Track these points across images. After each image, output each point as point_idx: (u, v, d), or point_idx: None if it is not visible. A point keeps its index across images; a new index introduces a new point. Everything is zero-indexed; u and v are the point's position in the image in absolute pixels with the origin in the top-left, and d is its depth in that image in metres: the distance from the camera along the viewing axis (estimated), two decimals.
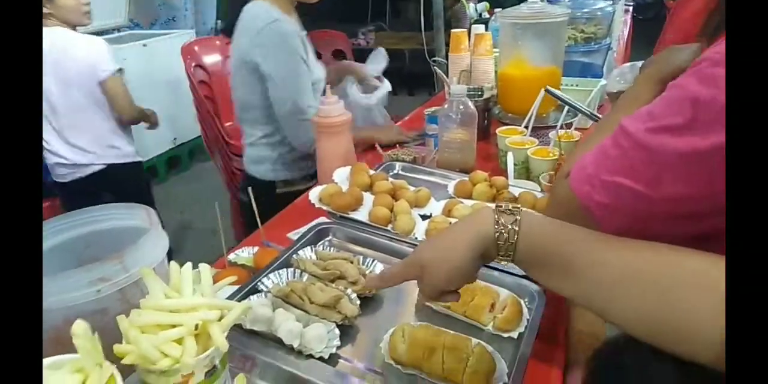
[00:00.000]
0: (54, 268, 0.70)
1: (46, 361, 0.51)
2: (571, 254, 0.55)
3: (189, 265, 0.66)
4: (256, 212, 1.03)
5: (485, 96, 1.66)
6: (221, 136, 2.27)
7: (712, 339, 0.43)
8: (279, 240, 1.07)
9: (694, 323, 0.45)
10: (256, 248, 1.04)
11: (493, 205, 0.63)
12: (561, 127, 1.43)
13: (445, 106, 1.35)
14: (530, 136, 1.46)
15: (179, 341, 0.58)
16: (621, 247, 0.55)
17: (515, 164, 1.38)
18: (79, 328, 0.50)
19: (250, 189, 1.06)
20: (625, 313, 0.52)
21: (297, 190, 1.58)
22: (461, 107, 1.33)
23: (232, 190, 2.30)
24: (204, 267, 0.67)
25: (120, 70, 2.07)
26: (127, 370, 0.56)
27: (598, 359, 0.74)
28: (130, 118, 2.16)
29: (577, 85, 1.86)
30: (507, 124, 1.59)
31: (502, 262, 0.61)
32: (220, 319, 0.62)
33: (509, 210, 0.60)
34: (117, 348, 0.56)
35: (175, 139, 3.72)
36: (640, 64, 1.03)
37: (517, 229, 0.58)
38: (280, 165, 1.66)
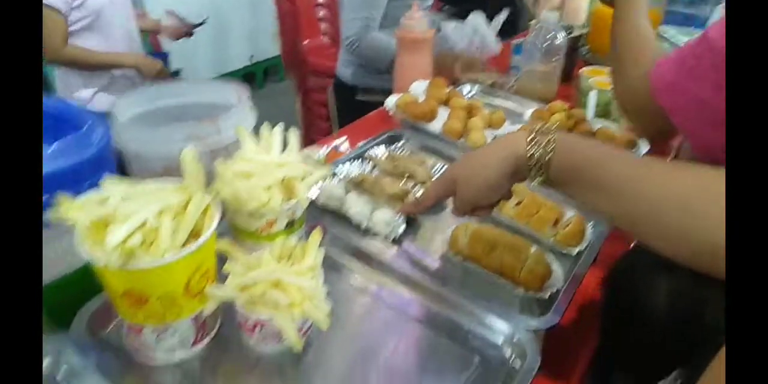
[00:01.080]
0: (151, 127, 0.76)
1: (152, 184, 0.57)
2: (607, 170, 0.53)
3: (280, 127, 0.69)
4: (335, 112, 1.06)
5: (575, 34, 1.58)
6: (299, 52, 2.29)
7: None
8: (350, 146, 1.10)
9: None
10: (329, 149, 1.08)
11: None
12: None
13: (532, 34, 1.30)
14: None
15: (267, 190, 0.63)
16: (661, 167, 0.51)
17: (596, 105, 1.33)
18: (188, 154, 0.54)
19: (330, 88, 1.08)
20: (661, 231, 0.48)
21: (376, 101, 1.60)
22: (550, 35, 1.27)
23: (304, 109, 2.35)
24: (293, 131, 0.70)
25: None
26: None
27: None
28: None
29: (675, 36, 1.72)
30: (593, 65, 1.52)
31: (535, 182, 0.60)
32: (303, 180, 0.66)
33: (543, 131, 0.58)
34: (215, 185, 0.61)
35: (252, 56, 3.72)
36: None
37: (551, 148, 0.56)
38: (364, 71, 1.67)
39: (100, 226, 0.51)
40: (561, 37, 1.27)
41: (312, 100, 2.28)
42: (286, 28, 2.33)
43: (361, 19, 1.52)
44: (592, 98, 1.30)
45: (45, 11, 1.54)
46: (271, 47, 3.77)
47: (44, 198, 0.53)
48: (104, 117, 0.68)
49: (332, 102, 1.54)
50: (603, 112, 1.35)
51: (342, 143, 1.12)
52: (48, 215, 0.49)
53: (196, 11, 2.53)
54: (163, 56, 3.01)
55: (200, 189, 0.55)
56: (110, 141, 0.62)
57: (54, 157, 0.56)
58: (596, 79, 1.36)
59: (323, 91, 2.26)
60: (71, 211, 0.49)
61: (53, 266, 0.60)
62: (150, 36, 2.40)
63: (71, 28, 1.63)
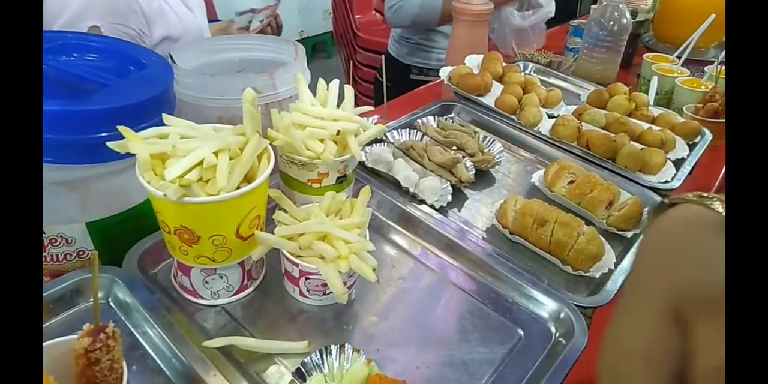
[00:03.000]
0: (210, 76, 0.75)
1: (208, 126, 0.56)
2: None
3: (336, 81, 0.68)
4: (384, 87, 1.03)
5: (639, 19, 1.51)
6: (351, 27, 2.27)
7: None
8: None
9: None
10: (374, 121, 1.06)
11: None
12: (722, 63, 1.27)
13: (596, 13, 1.24)
14: (681, 66, 1.32)
15: (321, 141, 0.62)
16: None
17: (657, 93, 1.26)
18: (250, 95, 0.54)
19: (383, 58, 1.06)
20: None
21: (431, 81, 1.57)
22: (616, 14, 1.21)
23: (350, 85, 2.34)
24: (348, 87, 0.69)
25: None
26: None
27: None
28: None
29: None
30: (656, 52, 1.44)
31: None
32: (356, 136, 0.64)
33: None
34: (270, 132, 0.60)
35: (302, 31, 3.73)
36: None
37: None
38: (416, 50, 1.64)
39: (159, 160, 0.51)
40: (628, 19, 1.21)
41: (359, 76, 2.27)
42: (339, 2, 2.31)
43: None
44: (654, 85, 1.24)
45: None
46: (321, 23, 3.77)
47: (108, 133, 0.54)
48: (167, 61, 0.69)
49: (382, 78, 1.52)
50: (664, 101, 1.29)
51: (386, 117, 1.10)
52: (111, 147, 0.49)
53: None
54: None
55: (257, 132, 0.54)
56: (173, 83, 0.63)
57: (118, 93, 0.57)
58: (659, 66, 1.30)
59: (371, 68, 2.24)
60: (133, 143, 0.49)
61: (109, 203, 0.61)
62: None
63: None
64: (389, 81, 1.03)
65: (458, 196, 0.83)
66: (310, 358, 0.51)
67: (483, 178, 0.89)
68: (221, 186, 0.49)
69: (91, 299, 0.57)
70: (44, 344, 0.41)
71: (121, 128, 0.49)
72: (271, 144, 0.58)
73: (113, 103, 0.56)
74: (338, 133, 0.62)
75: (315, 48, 4.04)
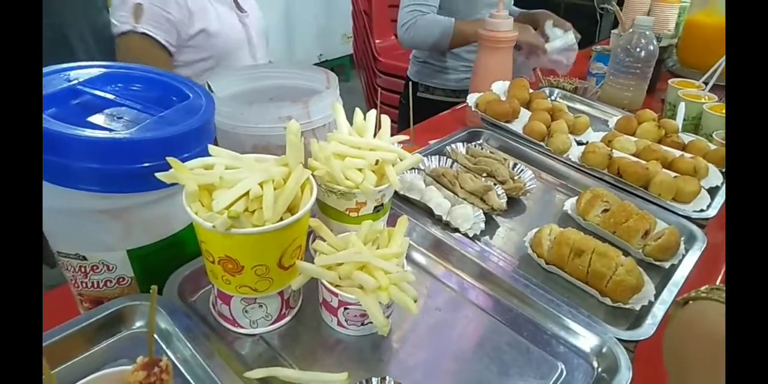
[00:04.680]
0: (245, 105, 0.77)
1: (250, 156, 0.57)
2: None
3: (373, 111, 0.69)
4: (411, 112, 1.04)
5: (662, 44, 1.51)
6: (371, 51, 2.31)
7: None
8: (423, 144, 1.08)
9: None
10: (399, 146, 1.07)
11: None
12: None
13: (622, 39, 1.25)
14: (708, 92, 1.32)
15: (360, 171, 0.62)
16: None
17: (684, 119, 1.26)
18: (294, 126, 0.54)
19: (407, 83, 1.07)
20: None
21: (435, 100, 1.58)
22: (643, 41, 1.22)
23: (369, 108, 2.37)
24: (385, 118, 0.69)
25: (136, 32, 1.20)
26: None
27: None
28: None
29: None
30: (680, 77, 1.44)
31: None
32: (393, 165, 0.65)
33: None
34: (311, 162, 0.61)
35: (321, 55, 3.78)
36: None
37: None
38: (425, 69, 1.66)
39: (204, 191, 0.52)
40: (655, 45, 1.22)
41: (380, 100, 2.29)
42: (360, 26, 2.36)
43: (416, 4, 1.50)
44: (682, 110, 1.24)
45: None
46: (339, 47, 3.84)
47: (151, 162, 0.55)
48: (209, 92, 0.70)
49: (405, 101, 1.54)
50: (691, 126, 1.28)
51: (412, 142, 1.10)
52: (158, 177, 0.50)
53: (267, 6, 2.60)
54: None
55: (300, 163, 0.55)
56: (214, 113, 0.64)
57: (162, 123, 0.58)
58: (685, 91, 1.29)
59: (391, 91, 2.27)
60: (182, 174, 0.50)
61: (150, 230, 0.62)
62: None
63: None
64: (407, 102, 1.04)
65: (490, 224, 0.82)
66: None
67: (513, 205, 0.88)
68: (267, 217, 0.50)
69: (134, 327, 0.58)
70: (98, 374, 0.41)
71: (170, 159, 0.50)
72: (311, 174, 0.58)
73: (158, 133, 0.57)
74: (377, 162, 0.62)
75: (334, 71, 4.11)
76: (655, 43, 1.22)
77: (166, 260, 0.63)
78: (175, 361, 0.55)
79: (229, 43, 1.32)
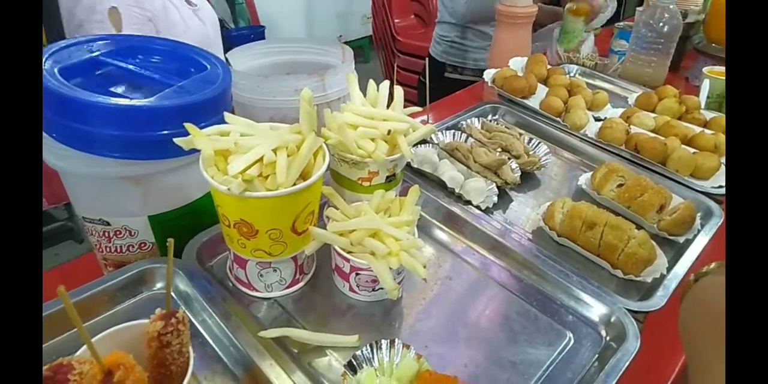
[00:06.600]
0: (263, 77, 0.78)
1: (265, 125, 0.58)
2: None
3: (386, 83, 0.69)
4: (427, 89, 1.03)
5: (689, 20, 1.47)
6: (390, 31, 2.30)
7: None
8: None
9: None
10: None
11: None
12: None
13: (644, 14, 1.22)
14: None
15: (373, 141, 0.63)
16: None
17: (708, 96, 1.22)
18: (307, 94, 0.55)
19: (426, 61, 1.06)
20: None
21: (464, 80, 1.57)
22: (666, 16, 1.18)
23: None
24: (398, 88, 0.70)
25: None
26: None
27: None
28: None
29: None
30: (706, 55, 1.40)
31: None
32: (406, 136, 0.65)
33: None
34: (324, 131, 0.62)
35: (341, 36, 3.76)
36: None
37: None
38: (451, 48, 1.65)
39: (221, 156, 0.53)
40: (679, 20, 1.18)
41: (399, 80, 2.29)
42: (379, 6, 2.34)
43: None
44: (705, 87, 1.21)
45: None
46: (359, 28, 3.81)
47: (171, 130, 0.57)
48: (225, 63, 0.72)
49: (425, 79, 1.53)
50: (715, 104, 1.25)
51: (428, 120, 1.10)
52: (177, 143, 0.52)
53: None
54: (260, 29, 3.13)
55: (313, 131, 0.56)
56: (230, 83, 0.65)
57: (181, 92, 0.59)
58: (710, 68, 1.26)
59: (410, 71, 2.25)
60: (199, 139, 0.51)
61: (170, 197, 0.64)
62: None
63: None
64: (431, 82, 1.03)
65: (503, 198, 0.82)
66: (361, 352, 0.52)
67: (528, 180, 0.88)
68: (280, 182, 0.51)
69: (154, 288, 0.60)
70: (118, 327, 0.43)
71: (188, 125, 0.52)
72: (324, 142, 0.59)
73: (176, 101, 0.59)
74: (389, 132, 0.63)
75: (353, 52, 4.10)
76: (679, 17, 1.19)
77: (186, 227, 0.66)
78: (194, 321, 0.57)
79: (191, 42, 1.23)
